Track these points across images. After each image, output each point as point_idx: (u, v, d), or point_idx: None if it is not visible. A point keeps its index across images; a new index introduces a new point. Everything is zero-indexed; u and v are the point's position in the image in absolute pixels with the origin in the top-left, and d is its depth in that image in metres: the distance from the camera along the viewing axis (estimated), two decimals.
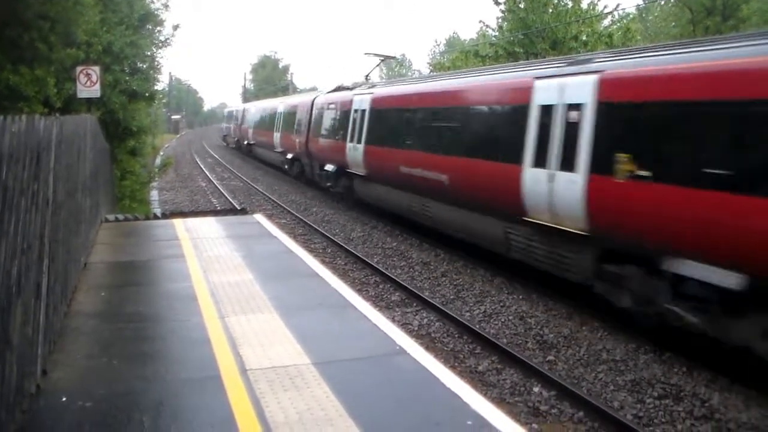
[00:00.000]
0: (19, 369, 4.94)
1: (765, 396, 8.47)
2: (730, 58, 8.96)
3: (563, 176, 11.46)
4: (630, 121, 10.30)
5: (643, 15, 39.69)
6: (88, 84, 15.76)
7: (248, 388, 5.77)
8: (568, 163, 11.36)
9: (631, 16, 31.69)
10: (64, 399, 5.55)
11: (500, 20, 28.50)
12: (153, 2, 22.40)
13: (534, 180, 12.21)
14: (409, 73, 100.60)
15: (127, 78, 20.20)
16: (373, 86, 23.07)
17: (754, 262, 8.23)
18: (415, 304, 12.58)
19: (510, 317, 11.77)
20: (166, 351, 6.88)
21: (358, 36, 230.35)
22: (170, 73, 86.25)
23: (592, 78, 11.10)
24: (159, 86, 25.76)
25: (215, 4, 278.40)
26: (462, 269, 15.14)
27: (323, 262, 13.40)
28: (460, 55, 31.33)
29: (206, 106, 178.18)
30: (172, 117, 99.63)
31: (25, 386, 5.25)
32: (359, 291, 11.91)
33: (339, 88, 26.73)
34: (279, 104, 38.41)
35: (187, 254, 11.26)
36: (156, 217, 16.37)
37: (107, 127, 18.77)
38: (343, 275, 13.96)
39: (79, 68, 15.64)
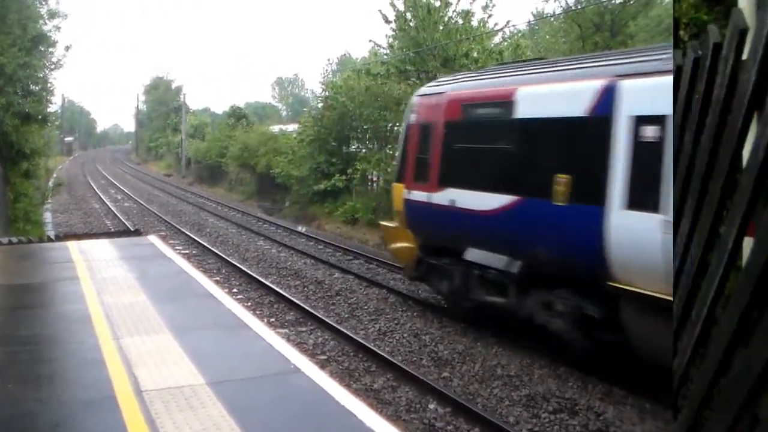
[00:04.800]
0: None
1: (659, 408, 8.67)
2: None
3: None
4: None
5: (536, 28, 40.25)
6: None
7: (143, 409, 5.60)
8: None
9: (520, 33, 32.21)
10: None
11: (391, 39, 28.48)
12: (45, 24, 22.12)
13: None
14: (302, 93, 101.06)
15: (20, 100, 19.81)
16: None
17: None
18: (309, 323, 12.51)
19: (405, 335, 11.89)
20: (61, 373, 6.65)
21: (251, 57, 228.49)
22: (63, 94, 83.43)
23: None
24: (52, 108, 25.87)
25: (106, 26, 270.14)
26: (357, 287, 15.20)
27: (217, 282, 13.17)
28: (352, 74, 31.35)
29: (99, 128, 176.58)
30: (65, 139, 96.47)
31: None
32: (254, 311, 11.78)
33: None
34: None
35: (81, 276, 10.90)
36: (50, 240, 15.99)
37: (0, 150, 18.30)
38: (237, 295, 13.77)
39: None
